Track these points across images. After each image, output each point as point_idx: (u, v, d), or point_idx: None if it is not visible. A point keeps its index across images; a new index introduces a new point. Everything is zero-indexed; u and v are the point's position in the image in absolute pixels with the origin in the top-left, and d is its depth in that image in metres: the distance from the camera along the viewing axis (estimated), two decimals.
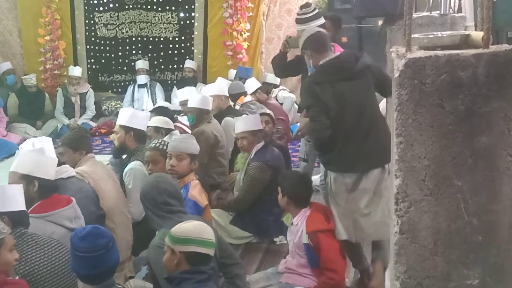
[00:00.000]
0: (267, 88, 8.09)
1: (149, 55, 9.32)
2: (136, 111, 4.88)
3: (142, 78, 8.92)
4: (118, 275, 3.55)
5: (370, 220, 3.54)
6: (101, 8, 9.33)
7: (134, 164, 4.26)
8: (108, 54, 9.46)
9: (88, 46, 9.45)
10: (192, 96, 5.64)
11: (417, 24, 4.14)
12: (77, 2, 9.26)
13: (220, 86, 6.07)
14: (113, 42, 9.39)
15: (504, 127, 1.89)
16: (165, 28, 9.28)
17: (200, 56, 9.25)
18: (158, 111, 5.56)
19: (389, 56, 3.09)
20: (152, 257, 3.10)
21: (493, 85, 1.87)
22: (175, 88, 8.76)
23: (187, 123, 5.68)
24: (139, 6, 9.24)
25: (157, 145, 4.15)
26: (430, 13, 4.40)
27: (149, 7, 9.23)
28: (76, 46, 9.44)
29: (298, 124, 4.36)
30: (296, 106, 8.06)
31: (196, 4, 9.13)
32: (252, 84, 6.71)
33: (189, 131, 5.45)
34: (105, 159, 5.06)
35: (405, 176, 1.94)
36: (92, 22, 9.35)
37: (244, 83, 6.82)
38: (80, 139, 4.00)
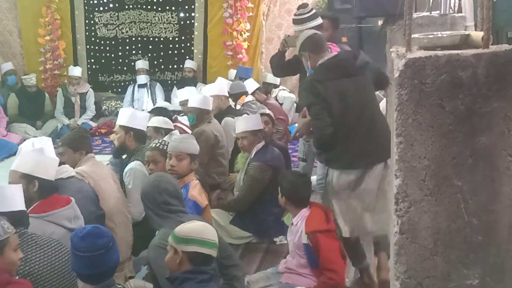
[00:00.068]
0: (267, 88, 8.10)
1: (149, 55, 9.32)
2: (136, 111, 4.87)
3: (142, 78, 8.92)
4: (118, 275, 3.55)
5: (375, 216, 3.56)
6: (101, 8, 9.33)
7: (134, 164, 4.26)
8: (108, 54, 9.45)
9: (88, 46, 9.44)
10: (192, 96, 5.63)
11: (417, 24, 4.14)
12: (77, 2, 9.26)
13: (220, 86, 6.07)
14: (113, 42, 9.39)
15: (504, 127, 1.89)
16: (165, 28, 9.28)
17: (200, 56, 9.25)
18: (157, 111, 5.56)
19: (389, 56, 3.10)
20: (152, 257, 3.11)
21: (493, 85, 1.87)
22: (175, 88, 8.76)
23: (187, 123, 5.68)
24: (139, 6, 9.24)
25: (157, 145, 4.15)
26: (430, 13, 4.41)
27: (149, 7, 9.23)
28: (76, 46, 9.43)
29: (296, 124, 4.37)
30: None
31: (196, 4, 9.13)
32: (250, 85, 6.71)
33: (189, 131, 5.45)
34: (105, 159, 5.05)
35: (405, 176, 1.94)
36: (92, 22, 9.34)
37: (243, 83, 6.82)
38: (80, 139, 4.00)
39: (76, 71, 8.87)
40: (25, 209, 2.94)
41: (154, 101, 8.79)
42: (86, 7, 9.31)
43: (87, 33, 9.40)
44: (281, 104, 7.66)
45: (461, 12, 4.62)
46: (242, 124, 4.77)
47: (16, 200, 2.87)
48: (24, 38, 9.34)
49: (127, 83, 9.33)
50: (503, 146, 1.90)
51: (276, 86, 8.40)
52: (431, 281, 1.97)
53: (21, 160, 3.32)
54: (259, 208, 4.63)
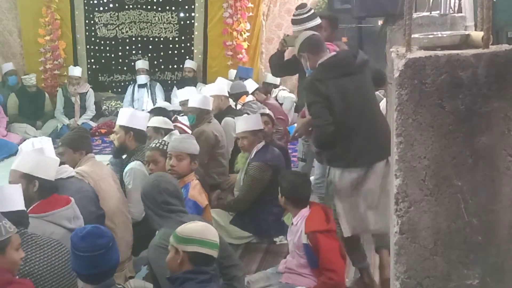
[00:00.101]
0: (267, 88, 8.10)
1: (149, 55, 9.32)
2: (135, 111, 4.87)
3: (142, 78, 8.92)
4: (118, 275, 3.55)
5: (378, 213, 3.56)
6: (101, 8, 9.33)
7: (134, 164, 4.26)
8: (108, 54, 9.45)
9: (88, 46, 9.45)
10: (193, 96, 5.64)
11: (417, 24, 4.14)
12: (77, 2, 9.26)
13: (220, 86, 6.07)
14: (113, 42, 9.39)
15: (504, 127, 1.89)
16: (165, 28, 9.28)
17: (200, 56, 9.25)
18: (156, 111, 5.57)
19: (389, 56, 3.10)
20: (152, 257, 3.11)
21: (493, 85, 1.87)
22: (175, 88, 8.76)
23: (187, 123, 5.68)
24: (139, 6, 9.24)
25: (157, 145, 4.16)
26: (430, 13, 4.40)
27: (149, 7, 9.23)
28: (76, 46, 9.44)
29: (295, 124, 4.37)
30: None
31: (196, 4, 9.13)
32: (249, 86, 6.71)
33: (189, 131, 5.45)
34: (105, 159, 5.06)
35: (405, 176, 1.94)
36: (92, 22, 9.35)
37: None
38: (80, 139, 4.00)
39: (76, 71, 8.87)
40: (25, 209, 2.94)
41: (154, 101, 8.79)
42: (86, 7, 9.31)
43: (87, 33, 9.40)
44: (281, 104, 7.66)
45: (461, 12, 4.61)
46: (242, 124, 4.77)
47: (15, 200, 2.87)
48: (24, 38, 9.34)
49: (127, 83, 9.33)
50: (503, 146, 1.90)
51: (276, 86, 8.40)
52: (431, 281, 1.97)
53: (22, 160, 3.33)
54: (259, 208, 4.63)
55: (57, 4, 9.16)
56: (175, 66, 9.33)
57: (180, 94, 6.35)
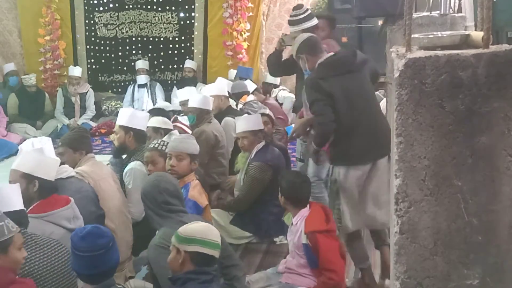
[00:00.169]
0: (266, 88, 8.10)
1: (149, 55, 9.32)
2: (135, 111, 4.87)
3: (142, 78, 8.92)
4: (118, 275, 3.54)
5: (383, 209, 3.57)
6: (101, 8, 9.33)
7: (134, 164, 4.26)
8: (108, 54, 9.45)
9: (88, 46, 9.45)
10: (193, 96, 5.64)
11: (417, 24, 4.14)
12: (77, 2, 9.26)
13: (220, 86, 6.07)
14: (113, 42, 9.39)
15: (504, 127, 1.89)
16: (165, 28, 9.28)
17: (200, 56, 9.25)
18: (155, 112, 5.57)
19: (389, 56, 3.10)
20: (152, 257, 3.10)
21: (493, 85, 1.87)
22: (175, 88, 8.75)
23: (187, 123, 5.68)
24: (139, 6, 9.24)
25: (156, 145, 4.15)
26: (430, 13, 4.40)
27: (149, 7, 9.23)
28: (76, 46, 9.44)
29: (293, 125, 4.37)
30: None
31: (196, 4, 9.13)
32: (248, 87, 6.70)
33: (189, 131, 5.45)
34: (105, 159, 5.05)
35: (405, 176, 1.94)
36: (92, 22, 9.35)
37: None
38: (80, 139, 4.00)
39: (76, 71, 8.87)
40: (24, 208, 2.94)
41: (154, 101, 8.78)
42: (86, 7, 9.31)
43: (87, 33, 9.39)
44: (280, 104, 7.66)
45: (461, 12, 4.61)
46: (242, 124, 4.77)
47: (14, 199, 2.86)
48: (24, 38, 9.34)
49: (127, 83, 9.32)
50: (503, 146, 1.90)
51: (276, 86, 8.40)
52: (431, 281, 1.97)
53: (22, 160, 3.32)
54: (259, 208, 4.63)
55: (57, 4, 9.16)
56: (175, 66, 9.33)
57: (180, 94, 6.35)
